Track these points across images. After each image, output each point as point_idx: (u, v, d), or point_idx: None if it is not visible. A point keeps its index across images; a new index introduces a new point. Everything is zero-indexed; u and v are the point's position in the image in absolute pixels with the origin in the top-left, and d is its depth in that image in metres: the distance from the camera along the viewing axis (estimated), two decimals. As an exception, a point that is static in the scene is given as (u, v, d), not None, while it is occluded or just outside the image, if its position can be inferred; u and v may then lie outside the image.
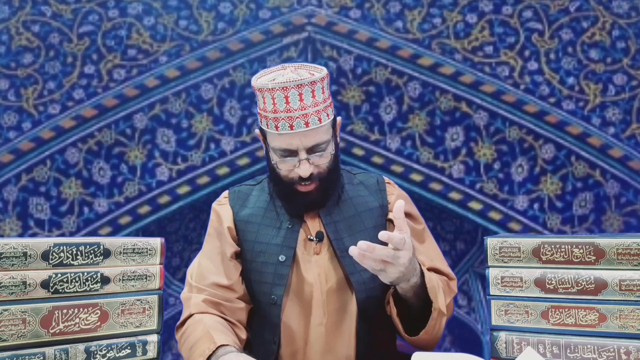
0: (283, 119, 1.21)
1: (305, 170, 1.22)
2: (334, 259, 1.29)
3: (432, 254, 1.34)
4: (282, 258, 1.26)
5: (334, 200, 1.33)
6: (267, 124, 1.25)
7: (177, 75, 3.03)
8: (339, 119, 1.34)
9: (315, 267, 1.28)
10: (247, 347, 1.26)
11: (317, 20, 3.04)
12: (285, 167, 1.25)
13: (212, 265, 1.29)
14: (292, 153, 1.24)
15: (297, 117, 1.20)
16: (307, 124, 1.21)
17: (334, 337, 1.27)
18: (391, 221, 1.33)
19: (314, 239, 1.29)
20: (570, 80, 2.98)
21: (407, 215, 1.35)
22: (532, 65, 3.00)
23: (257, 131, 1.34)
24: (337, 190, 1.34)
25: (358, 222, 1.32)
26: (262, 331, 1.30)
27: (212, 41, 3.05)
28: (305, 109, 1.21)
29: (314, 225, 1.31)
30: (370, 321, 1.29)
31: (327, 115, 1.26)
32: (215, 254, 1.30)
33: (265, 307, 1.27)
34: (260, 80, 1.26)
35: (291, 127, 1.21)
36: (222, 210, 1.35)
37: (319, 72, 1.26)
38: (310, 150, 1.23)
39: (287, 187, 1.27)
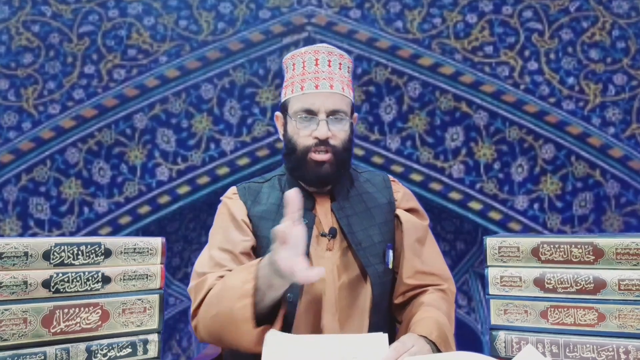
0: (310, 79, 1.28)
1: (323, 130, 1.25)
2: (346, 254, 1.29)
3: (431, 256, 1.35)
4: None
5: (345, 195, 1.34)
6: (292, 90, 1.30)
7: (177, 75, 3.04)
8: (355, 114, 1.38)
9: (328, 264, 1.29)
10: None
11: (317, 20, 3.05)
12: (304, 132, 1.27)
13: (226, 255, 1.26)
14: (313, 115, 1.27)
15: (324, 79, 1.27)
16: (331, 86, 1.27)
17: (345, 332, 1.27)
18: (398, 217, 1.35)
19: (328, 235, 1.30)
20: (570, 80, 2.98)
21: (413, 211, 1.38)
22: (532, 65, 3.00)
23: (277, 114, 1.38)
24: (347, 172, 1.37)
25: (369, 217, 1.33)
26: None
27: (212, 41, 3.05)
28: (331, 74, 1.28)
29: (326, 221, 1.32)
30: (382, 313, 1.30)
31: (350, 93, 1.32)
32: (228, 245, 1.27)
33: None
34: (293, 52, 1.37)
35: (316, 86, 1.27)
36: (233, 205, 1.33)
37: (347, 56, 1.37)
38: (330, 115, 1.27)
39: (303, 155, 1.28)
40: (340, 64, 1.31)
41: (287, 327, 1.25)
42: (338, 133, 1.28)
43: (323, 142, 1.26)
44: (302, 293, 1.26)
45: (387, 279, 1.30)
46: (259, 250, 1.30)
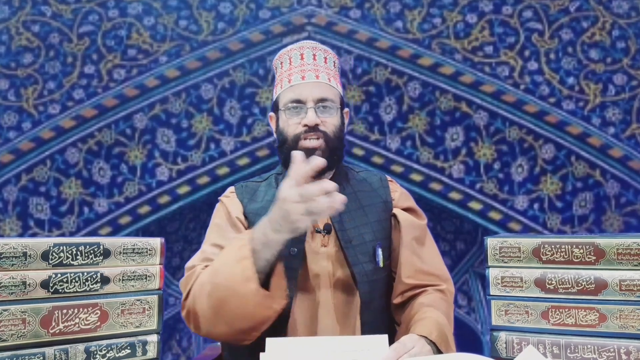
0: (296, 72, 1.32)
1: (311, 117, 1.28)
2: (340, 251, 1.29)
3: (430, 256, 1.35)
4: (293, 251, 1.26)
5: (339, 193, 1.34)
6: (281, 86, 1.34)
7: (177, 75, 3.03)
8: (346, 109, 1.39)
9: (324, 260, 1.28)
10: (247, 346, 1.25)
11: (317, 20, 3.04)
12: (294, 121, 1.30)
13: (217, 250, 1.25)
14: (301, 104, 1.30)
15: (309, 70, 1.32)
16: (317, 77, 1.31)
17: (341, 329, 1.27)
18: (395, 216, 1.35)
19: (322, 231, 1.29)
20: (570, 80, 2.98)
21: (410, 210, 1.38)
22: (532, 65, 3.00)
23: (270, 114, 1.40)
24: (342, 168, 1.37)
25: (362, 215, 1.33)
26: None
27: (212, 41, 3.05)
28: (317, 67, 1.33)
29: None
30: (374, 313, 1.29)
31: (338, 85, 1.35)
32: (221, 241, 1.28)
33: None
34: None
35: (303, 77, 1.31)
36: (230, 203, 1.35)
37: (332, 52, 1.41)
38: (318, 103, 1.29)
39: (294, 143, 1.29)
40: (325, 57, 1.35)
41: (283, 323, 1.25)
42: (327, 120, 1.30)
43: (313, 129, 1.27)
44: (296, 286, 1.26)
45: (377, 277, 1.28)
46: None
